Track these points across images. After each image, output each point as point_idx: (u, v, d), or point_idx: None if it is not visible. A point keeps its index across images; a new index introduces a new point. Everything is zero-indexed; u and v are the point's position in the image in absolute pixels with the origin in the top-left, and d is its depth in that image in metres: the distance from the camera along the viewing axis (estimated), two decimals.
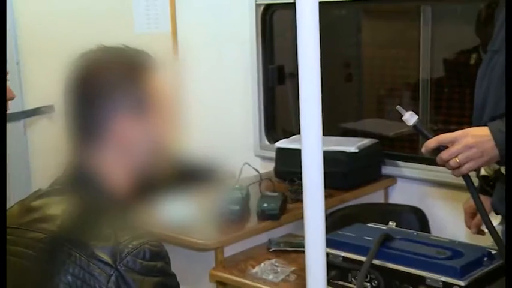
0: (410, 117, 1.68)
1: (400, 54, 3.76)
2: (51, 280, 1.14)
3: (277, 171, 3.06)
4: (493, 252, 1.66)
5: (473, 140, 1.60)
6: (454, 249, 1.69)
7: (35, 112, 2.90)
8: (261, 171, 2.96)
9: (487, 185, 1.99)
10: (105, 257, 1.12)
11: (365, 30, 4.06)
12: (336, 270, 1.75)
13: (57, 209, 1.21)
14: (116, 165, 1.24)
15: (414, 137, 3.34)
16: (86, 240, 1.15)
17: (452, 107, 3.36)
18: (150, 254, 1.14)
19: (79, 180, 1.24)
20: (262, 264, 2.27)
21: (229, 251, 2.40)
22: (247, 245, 2.44)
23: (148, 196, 1.31)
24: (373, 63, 4.04)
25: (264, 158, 3.42)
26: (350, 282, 1.74)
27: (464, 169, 1.61)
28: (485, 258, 1.64)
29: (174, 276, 1.20)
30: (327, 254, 1.39)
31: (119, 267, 1.12)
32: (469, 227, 2.14)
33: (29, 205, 1.28)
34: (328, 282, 1.39)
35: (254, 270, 2.24)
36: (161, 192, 1.34)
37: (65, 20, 2.97)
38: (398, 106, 1.70)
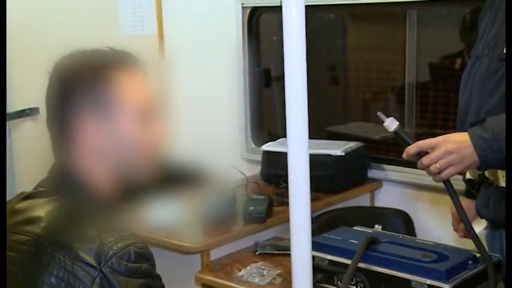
0: (391, 123, 1.70)
1: (386, 58, 3.77)
2: (35, 282, 1.13)
3: (264, 174, 3.06)
4: (478, 255, 1.67)
5: (453, 145, 1.61)
6: (439, 253, 1.69)
7: (19, 114, 2.89)
8: (248, 174, 2.96)
9: (472, 189, 2.00)
10: (89, 259, 1.12)
11: (351, 33, 4.07)
12: (322, 273, 1.75)
13: (41, 211, 1.21)
14: (96, 167, 1.24)
15: (400, 141, 3.35)
16: (70, 242, 1.14)
17: (437, 111, 3.38)
18: (134, 255, 1.14)
19: (62, 182, 1.25)
20: (248, 267, 2.26)
21: (215, 254, 2.39)
22: (233, 248, 2.44)
23: (133, 198, 1.31)
24: (359, 66, 4.05)
25: (250, 161, 3.42)
26: (336, 286, 1.74)
27: (444, 174, 1.62)
28: (470, 262, 1.65)
29: (159, 278, 1.20)
30: (313, 257, 1.39)
31: (103, 269, 1.12)
32: (456, 230, 2.15)
33: (13, 207, 1.28)
34: (314, 286, 1.39)
35: (240, 273, 2.23)
36: (146, 195, 1.34)
37: (50, 22, 2.96)
38: (379, 112, 1.72)
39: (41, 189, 1.27)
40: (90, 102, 1.23)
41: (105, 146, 1.24)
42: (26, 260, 1.17)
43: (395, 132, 1.68)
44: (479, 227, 2.15)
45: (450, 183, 1.64)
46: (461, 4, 3.07)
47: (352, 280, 1.69)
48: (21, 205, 1.27)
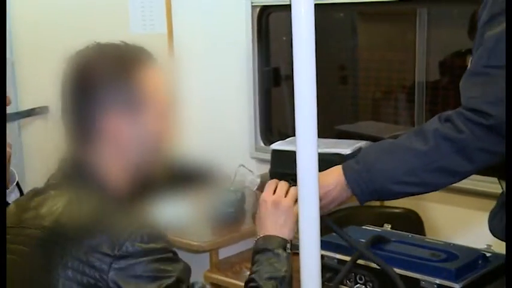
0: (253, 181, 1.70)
1: (396, 57, 3.76)
2: (49, 276, 1.14)
3: (273, 173, 3.05)
4: (488, 255, 1.66)
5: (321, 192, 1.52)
6: (449, 252, 1.68)
7: (29, 113, 2.90)
8: (257, 173, 2.96)
9: None
10: (103, 248, 1.13)
11: (361, 32, 4.06)
12: (330, 272, 1.74)
13: (53, 205, 1.22)
14: (112, 161, 1.25)
15: None
16: (84, 234, 1.15)
17: (447, 110, 3.36)
18: (147, 237, 1.16)
19: (75, 176, 1.25)
20: None
21: (224, 253, 2.40)
22: (242, 247, 2.44)
23: (144, 195, 1.31)
24: (369, 65, 4.04)
25: (259, 160, 3.42)
26: (345, 285, 1.74)
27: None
28: (480, 261, 1.63)
29: (175, 253, 1.22)
30: (322, 256, 1.39)
31: (118, 253, 1.13)
32: None
33: (25, 204, 1.29)
34: (323, 285, 1.39)
35: (249, 273, 2.23)
36: (157, 193, 1.34)
37: (59, 22, 2.97)
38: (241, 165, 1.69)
39: (52, 182, 1.27)
40: (110, 96, 1.22)
41: (124, 140, 1.24)
42: (39, 253, 1.18)
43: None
44: None
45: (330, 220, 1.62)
46: (472, 3, 3.06)
47: (361, 279, 1.69)
48: (32, 201, 1.27)
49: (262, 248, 1.45)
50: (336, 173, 1.59)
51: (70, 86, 1.25)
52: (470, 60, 1.61)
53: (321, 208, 1.55)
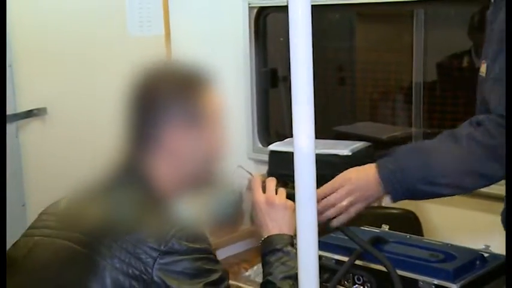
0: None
1: (393, 58, 3.77)
2: (97, 264, 1.21)
3: (271, 174, 3.05)
4: (486, 255, 1.66)
5: (353, 185, 1.59)
6: (447, 252, 1.69)
7: (27, 115, 2.89)
8: (255, 174, 2.96)
9: None
10: (150, 242, 1.20)
11: (358, 33, 4.07)
12: (328, 273, 1.74)
13: (106, 201, 1.30)
14: (166, 169, 1.33)
15: (407, 141, 3.35)
16: (133, 227, 1.23)
17: (445, 111, 3.37)
18: (192, 236, 1.24)
19: (130, 179, 1.33)
20: (256, 267, 2.26)
21: (222, 254, 2.40)
22: (241, 248, 2.44)
23: (188, 199, 1.38)
24: (366, 67, 4.05)
25: (257, 161, 3.43)
26: (343, 285, 1.74)
27: (351, 213, 1.62)
28: (478, 262, 1.64)
29: (215, 256, 1.30)
30: (320, 257, 1.39)
31: (164, 249, 1.20)
32: None
33: (78, 198, 1.36)
34: (321, 285, 1.39)
35: (247, 273, 2.23)
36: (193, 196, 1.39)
37: (57, 23, 2.96)
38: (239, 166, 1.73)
39: (106, 182, 1.33)
40: (174, 111, 1.31)
41: (182, 152, 1.33)
42: (91, 242, 1.24)
43: None
44: None
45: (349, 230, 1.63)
46: (469, 4, 3.06)
47: (360, 280, 1.69)
48: (84, 197, 1.35)
49: (271, 249, 1.47)
50: (370, 170, 1.60)
51: (137, 98, 1.34)
52: (484, 66, 1.60)
53: (353, 204, 1.60)
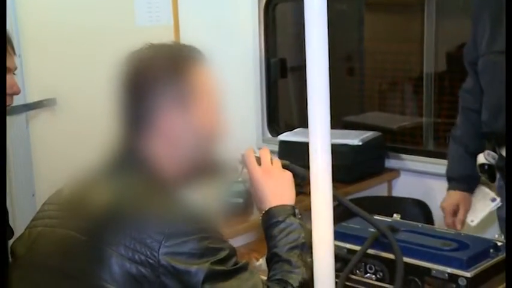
0: None
1: (403, 48, 3.75)
2: (102, 252, 1.20)
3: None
4: (499, 244, 1.65)
5: None
6: (460, 241, 1.68)
7: (37, 105, 2.89)
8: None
9: (485, 173, 2.03)
10: (154, 225, 1.19)
11: (367, 23, 4.05)
12: (340, 262, 1.73)
13: (107, 188, 1.29)
14: (163, 151, 1.31)
15: (417, 131, 3.34)
16: (136, 213, 1.21)
17: (455, 101, 3.35)
18: (197, 217, 1.23)
19: (128, 163, 1.31)
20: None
21: (232, 244, 2.39)
22: (251, 238, 2.44)
23: (189, 183, 1.36)
24: (375, 57, 4.03)
25: None
26: (354, 274, 1.73)
27: None
28: (491, 250, 1.63)
29: (221, 234, 1.28)
30: None
31: (168, 231, 1.18)
32: (449, 224, 2.20)
33: (79, 187, 1.35)
34: None
35: (258, 263, 2.23)
36: (194, 182, 1.39)
37: (66, 14, 2.96)
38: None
39: (104, 168, 1.33)
40: (164, 93, 1.30)
41: (176, 133, 1.31)
42: (94, 230, 1.23)
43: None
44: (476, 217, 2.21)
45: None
46: None
47: (371, 269, 1.68)
48: (86, 183, 1.33)
49: (274, 222, 1.43)
50: None
51: (126, 83, 1.33)
52: None
53: None
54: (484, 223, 2.36)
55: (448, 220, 2.28)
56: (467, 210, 2.31)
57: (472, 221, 2.32)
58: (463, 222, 2.29)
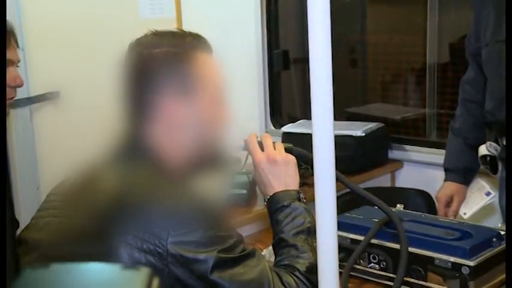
0: None
1: (406, 39, 3.74)
2: (111, 241, 1.19)
3: None
4: (502, 233, 1.66)
5: None
6: (463, 230, 1.69)
7: (40, 98, 2.90)
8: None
9: (486, 165, 2.04)
10: (162, 215, 1.19)
11: (370, 15, 4.04)
12: (344, 252, 1.75)
13: (113, 177, 1.28)
14: (167, 139, 1.31)
15: (420, 122, 3.34)
16: (143, 203, 1.21)
17: (458, 92, 3.35)
18: (204, 206, 1.23)
19: (133, 151, 1.31)
20: (270, 247, 2.26)
21: None
22: (254, 229, 2.44)
23: (194, 172, 1.35)
24: (378, 48, 4.02)
25: None
26: (358, 264, 1.74)
27: None
28: (494, 239, 1.64)
29: (228, 222, 1.29)
30: None
31: (176, 220, 1.19)
32: (442, 215, 2.21)
33: (85, 177, 1.34)
34: None
35: (263, 253, 2.24)
36: (198, 172, 1.37)
37: (69, 7, 2.96)
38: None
39: (109, 157, 1.32)
40: (168, 80, 1.30)
41: (180, 121, 1.30)
42: (102, 219, 1.23)
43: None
44: (470, 209, 2.22)
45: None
46: None
47: (375, 258, 1.69)
48: (92, 171, 1.32)
49: (279, 207, 1.44)
50: None
51: (130, 69, 1.32)
52: None
53: None
54: (484, 213, 2.37)
55: (441, 210, 2.30)
56: (461, 202, 2.32)
57: (464, 214, 2.33)
58: (456, 214, 2.30)
